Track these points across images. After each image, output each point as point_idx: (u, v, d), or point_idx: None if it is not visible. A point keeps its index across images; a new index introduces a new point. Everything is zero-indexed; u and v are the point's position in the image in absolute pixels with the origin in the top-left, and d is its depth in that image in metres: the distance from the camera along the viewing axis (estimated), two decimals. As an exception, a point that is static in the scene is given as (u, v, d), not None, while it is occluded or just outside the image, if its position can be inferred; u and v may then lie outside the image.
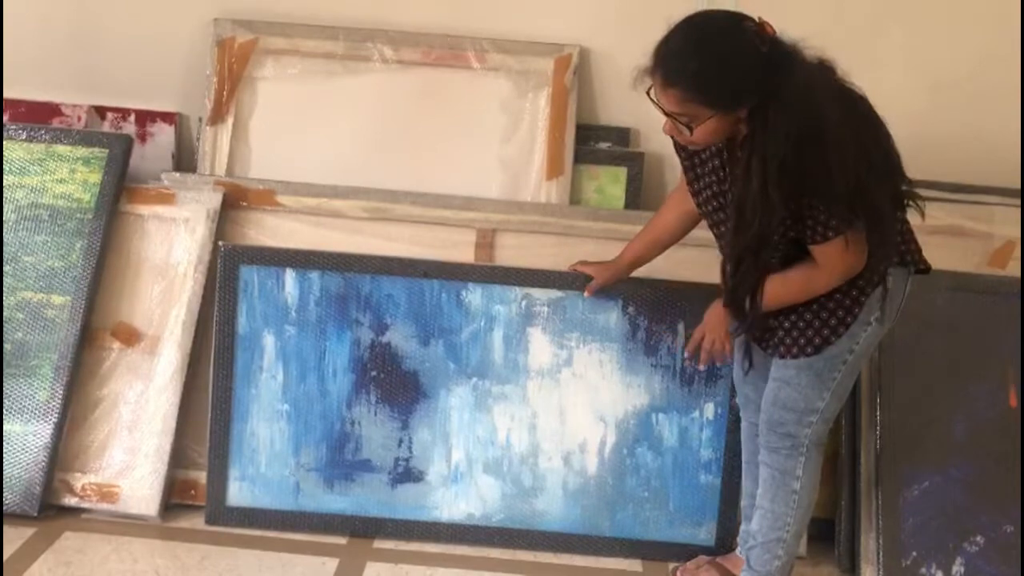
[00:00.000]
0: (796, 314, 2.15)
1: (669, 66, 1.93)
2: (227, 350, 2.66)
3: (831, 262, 2.05)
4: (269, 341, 2.67)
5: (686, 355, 2.47)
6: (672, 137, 2.09)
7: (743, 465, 2.50)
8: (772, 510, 2.28)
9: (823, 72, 1.98)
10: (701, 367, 2.44)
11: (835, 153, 1.92)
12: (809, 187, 1.94)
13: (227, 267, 2.68)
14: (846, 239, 2.00)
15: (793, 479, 2.26)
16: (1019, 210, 2.89)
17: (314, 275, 2.67)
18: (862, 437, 2.64)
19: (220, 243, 2.73)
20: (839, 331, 2.13)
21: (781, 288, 2.10)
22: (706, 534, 2.63)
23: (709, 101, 1.93)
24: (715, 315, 2.27)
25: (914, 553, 2.55)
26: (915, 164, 2.93)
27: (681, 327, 2.61)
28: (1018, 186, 2.95)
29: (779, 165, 1.91)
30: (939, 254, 2.80)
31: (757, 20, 1.93)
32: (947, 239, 2.86)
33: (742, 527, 2.50)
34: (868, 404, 2.65)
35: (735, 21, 1.94)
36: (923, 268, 2.20)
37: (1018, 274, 2.78)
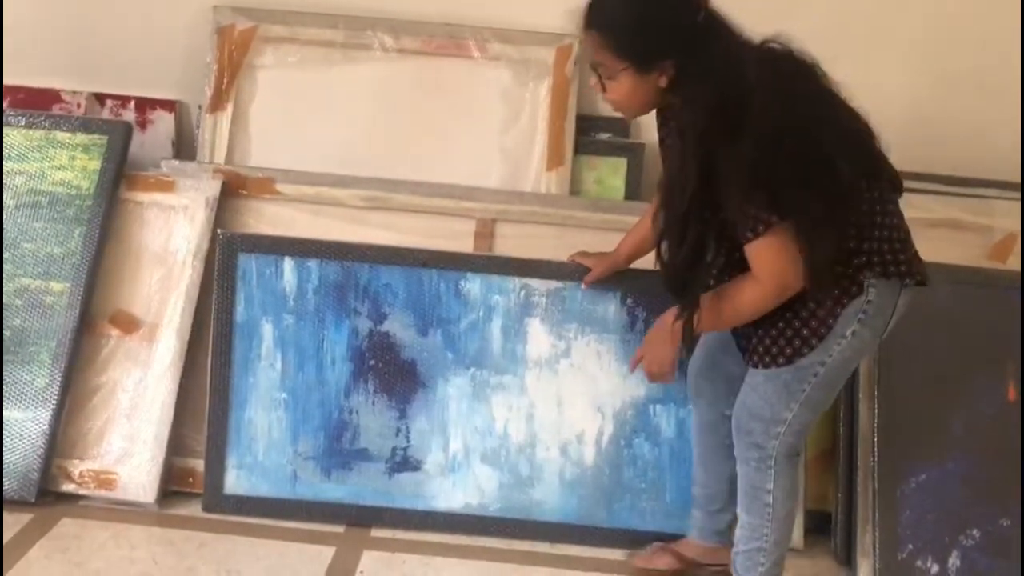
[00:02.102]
0: (770, 322, 2.08)
1: (592, 9, 1.94)
2: (225, 338, 2.66)
3: (756, 265, 1.96)
4: (267, 330, 2.67)
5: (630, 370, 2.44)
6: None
7: (695, 456, 2.47)
8: (749, 522, 2.26)
9: (761, 54, 1.95)
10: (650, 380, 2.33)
11: (752, 137, 1.84)
12: (723, 169, 1.87)
13: (226, 255, 2.67)
14: (774, 238, 1.91)
15: (764, 492, 2.22)
16: (1019, 204, 2.88)
17: (313, 264, 2.67)
18: (860, 430, 2.64)
19: (219, 231, 2.73)
20: (811, 342, 2.06)
21: (717, 303, 2.04)
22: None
23: (621, 51, 1.92)
24: (656, 334, 2.21)
25: (910, 546, 2.55)
26: (916, 157, 2.96)
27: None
28: (1019, 180, 2.95)
29: (696, 138, 1.87)
30: (939, 248, 2.81)
31: None
32: (947, 232, 2.85)
33: (692, 512, 2.50)
34: (866, 397, 2.65)
35: None
36: (918, 280, 2.08)
37: (1018, 268, 2.78)
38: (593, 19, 1.95)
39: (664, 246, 2.01)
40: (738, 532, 2.29)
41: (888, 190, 2.09)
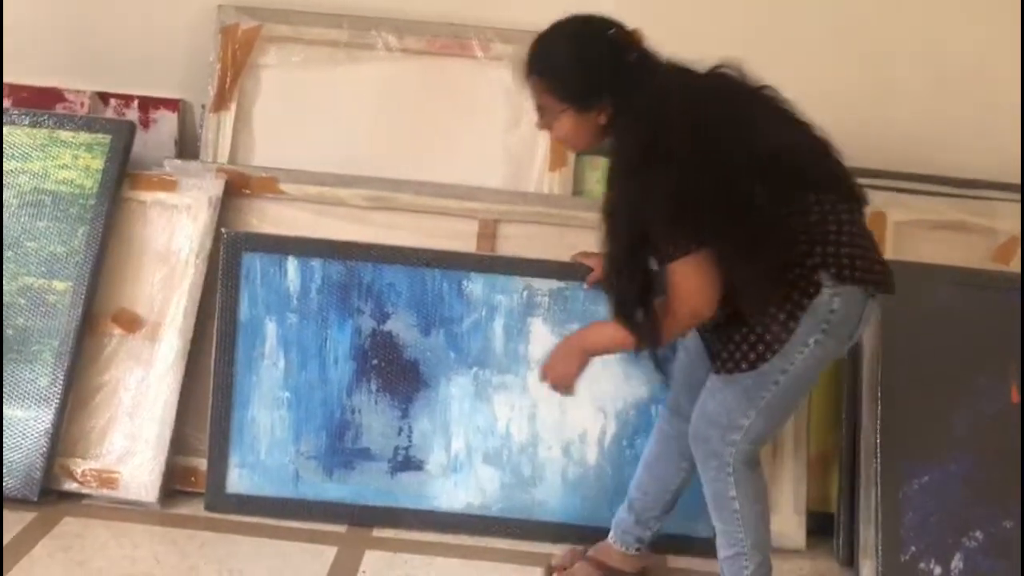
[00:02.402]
0: (735, 328, 2.08)
1: (530, 56, 2.07)
2: (229, 337, 2.67)
3: (672, 284, 2.00)
4: (271, 328, 2.68)
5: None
6: None
7: (644, 460, 2.44)
8: (723, 529, 2.25)
9: (688, 87, 2.01)
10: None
11: (674, 166, 1.90)
12: (648, 197, 1.94)
13: (230, 254, 2.68)
14: (688, 262, 1.95)
15: (729, 499, 2.20)
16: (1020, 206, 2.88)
17: (316, 263, 2.67)
18: (862, 431, 2.64)
19: (223, 230, 2.73)
20: (774, 347, 2.04)
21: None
22: (704, 526, 2.62)
23: (561, 94, 2.04)
24: (563, 352, 2.24)
25: (913, 548, 2.54)
26: (919, 158, 2.96)
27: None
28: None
29: (627, 171, 1.97)
30: (943, 249, 2.82)
31: (628, 29, 2.05)
32: (951, 234, 2.86)
33: (620, 514, 2.47)
34: (869, 398, 2.65)
35: (600, 25, 2.05)
36: (882, 288, 2.08)
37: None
38: (534, 65, 2.07)
39: (611, 275, 2.06)
40: (717, 540, 2.28)
41: (841, 201, 2.08)
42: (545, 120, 2.11)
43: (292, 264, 2.68)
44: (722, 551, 2.27)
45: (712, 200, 1.92)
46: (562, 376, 2.24)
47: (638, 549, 2.46)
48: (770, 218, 1.99)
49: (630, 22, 2.98)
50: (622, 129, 2.02)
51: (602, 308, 2.56)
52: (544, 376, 2.29)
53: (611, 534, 2.49)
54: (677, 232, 1.94)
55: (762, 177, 1.96)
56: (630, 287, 2.03)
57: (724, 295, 2.02)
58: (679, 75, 2.04)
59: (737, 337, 2.08)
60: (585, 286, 2.59)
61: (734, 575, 2.25)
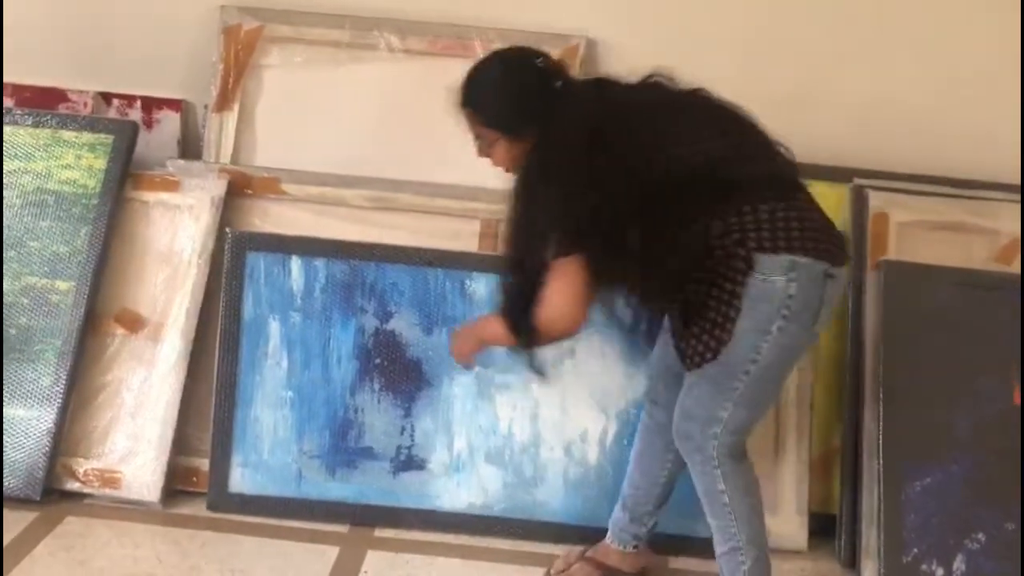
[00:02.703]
0: (694, 322, 2.12)
1: (464, 89, 2.17)
2: (233, 336, 2.67)
3: (548, 281, 2.07)
4: (274, 328, 2.69)
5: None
6: None
7: (633, 456, 2.46)
8: (716, 525, 2.27)
9: (603, 111, 2.07)
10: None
11: (555, 192, 2.00)
12: (532, 214, 2.06)
13: (234, 254, 2.69)
14: (556, 274, 2.05)
15: (719, 494, 2.22)
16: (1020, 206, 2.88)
17: (320, 263, 2.69)
18: (864, 432, 2.64)
19: (228, 229, 2.74)
20: (728, 328, 2.07)
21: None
22: (705, 527, 2.61)
23: (491, 124, 2.15)
24: (465, 332, 2.36)
25: (915, 549, 2.54)
26: (921, 159, 2.96)
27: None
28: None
29: (521, 188, 2.08)
30: (944, 250, 2.82)
31: (553, 59, 2.18)
32: (951, 235, 2.85)
33: (616, 512, 2.49)
34: (871, 399, 2.65)
35: (527, 56, 2.16)
36: (834, 261, 2.09)
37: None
38: (465, 98, 2.17)
39: (503, 277, 2.16)
40: (714, 537, 2.29)
41: (778, 199, 2.09)
42: (482, 148, 2.20)
43: (296, 263, 2.69)
44: (718, 547, 2.28)
45: (586, 219, 2.01)
46: (463, 354, 2.38)
47: (636, 547, 2.47)
48: (659, 231, 2.04)
49: (630, 24, 3.01)
50: (530, 150, 2.10)
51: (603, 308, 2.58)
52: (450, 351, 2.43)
53: (608, 534, 2.50)
54: (549, 244, 2.03)
55: (672, 187, 2.02)
56: (517, 291, 2.13)
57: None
58: (599, 98, 2.11)
59: (696, 329, 2.12)
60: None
61: (732, 571, 2.26)
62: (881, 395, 2.62)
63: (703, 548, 2.51)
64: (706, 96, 2.16)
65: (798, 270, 2.04)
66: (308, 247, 2.70)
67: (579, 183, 2.00)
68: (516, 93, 2.12)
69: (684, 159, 2.05)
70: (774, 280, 2.03)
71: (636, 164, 2.03)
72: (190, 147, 3.15)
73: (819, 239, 2.08)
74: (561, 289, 2.06)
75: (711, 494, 2.23)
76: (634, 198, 2.01)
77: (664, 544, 2.57)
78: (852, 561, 2.61)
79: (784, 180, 2.14)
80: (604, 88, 2.15)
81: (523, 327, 2.13)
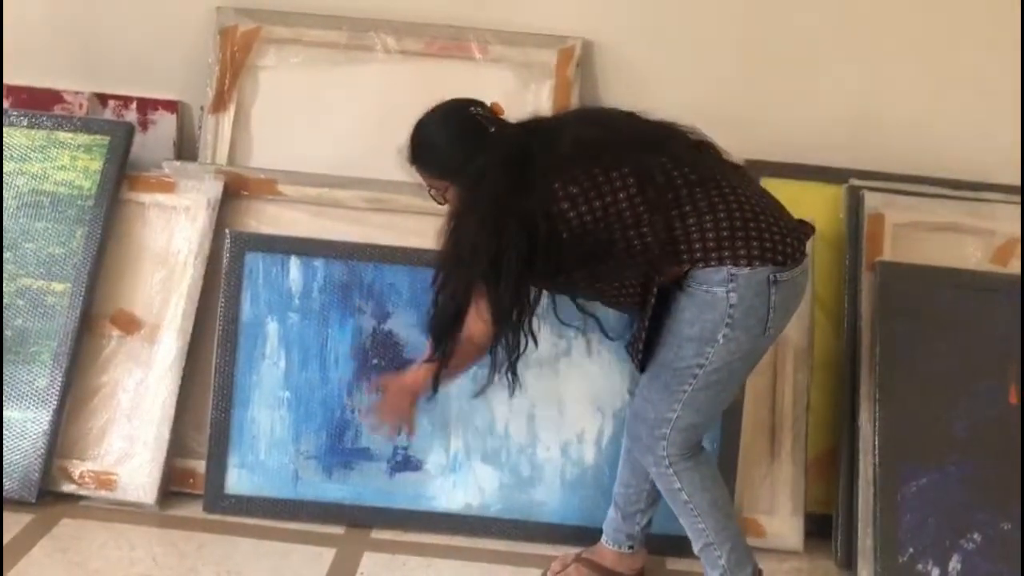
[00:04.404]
0: (635, 327, 2.20)
1: (409, 146, 2.24)
2: (230, 337, 2.68)
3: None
4: (272, 328, 2.69)
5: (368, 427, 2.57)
6: None
7: (622, 453, 2.48)
8: (685, 524, 2.31)
9: (522, 151, 2.12)
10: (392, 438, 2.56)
11: (474, 228, 2.08)
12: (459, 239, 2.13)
13: (233, 254, 2.69)
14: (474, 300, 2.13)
15: (677, 492, 2.26)
16: (1020, 207, 2.88)
17: (318, 263, 2.69)
18: (861, 433, 2.64)
19: (227, 230, 2.74)
20: (641, 336, 2.16)
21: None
22: (703, 527, 2.63)
23: (438, 174, 2.22)
24: (398, 389, 2.34)
25: (911, 549, 2.55)
26: (918, 160, 2.96)
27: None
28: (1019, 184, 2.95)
29: (448, 222, 2.17)
30: (941, 251, 2.82)
31: (488, 104, 2.22)
32: (949, 236, 2.85)
33: (609, 513, 2.50)
34: (867, 400, 2.65)
35: (460, 106, 2.22)
36: (779, 263, 2.10)
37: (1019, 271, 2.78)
38: (410, 155, 2.24)
39: (436, 300, 2.20)
40: (688, 535, 2.32)
41: (713, 195, 2.11)
42: (436, 197, 2.27)
43: (295, 264, 2.69)
44: (694, 546, 2.32)
45: (500, 248, 2.06)
46: (399, 413, 2.36)
47: (631, 547, 2.47)
48: (583, 259, 2.11)
49: (627, 25, 3.01)
50: (460, 189, 2.18)
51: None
52: (378, 422, 2.43)
53: (603, 535, 2.51)
54: (469, 270, 2.10)
55: (595, 218, 2.07)
56: (442, 311, 2.18)
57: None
58: (525, 139, 2.15)
59: (636, 335, 2.21)
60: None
61: (711, 565, 2.29)
62: (877, 396, 2.63)
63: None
64: (633, 115, 2.20)
65: (737, 280, 2.07)
66: (307, 247, 2.71)
67: (496, 215, 2.06)
68: (455, 142, 2.19)
69: (606, 181, 2.08)
70: (714, 291, 2.08)
71: (553, 191, 2.07)
72: (186, 148, 3.15)
73: (763, 241, 2.09)
74: (479, 312, 2.13)
75: (670, 493, 2.28)
76: (555, 231, 2.07)
77: (661, 545, 2.57)
78: (848, 561, 2.61)
79: (710, 185, 2.13)
80: (535, 126, 2.21)
81: (445, 343, 2.19)
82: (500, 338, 2.16)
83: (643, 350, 2.20)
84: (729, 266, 2.07)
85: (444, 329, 2.18)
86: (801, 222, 2.23)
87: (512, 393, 2.26)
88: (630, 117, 2.20)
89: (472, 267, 2.09)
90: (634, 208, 2.07)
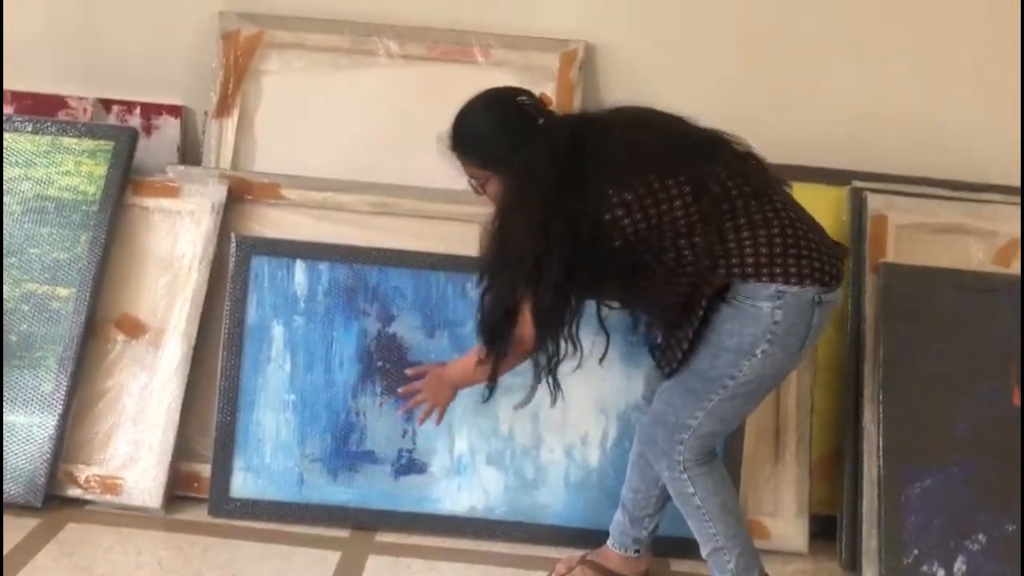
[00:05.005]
0: (673, 334, 2.16)
1: (451, 133, 2.22)
2: (236, 340, 2.68)
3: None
4: (278, 331, 2.70)
5: (399, 410, 2.55)
6: None
7: (632, 458, 2.47)
8: (694, 528, 2.29)
9: (574, 145, 2.09)
10: (420, 424, 2.52)
11: (522, 227, 2.06)
12: (495, 243, 2.13)
13: (239, 258, 2.70)
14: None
15: (689, 496, 2.25)
16: (1020, 208, 2.89)
17: (323, 266, 2.70)
18: (864, 434, 2.64)
19: (233, 234, 2.75)
20: (683, 346, 2.12)
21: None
22: (707, 530, 2.63)
23: (480, 164, 2.20)
24: (439, 377, 2.37)
25: (916, 551, 2.55)
26: (920, 162, 2.97)
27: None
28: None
29: (495, 217, 2.14)
30: (943, 252, 2.83)
31: (537, 95, 2.20)
32: (951, 237, 2.86)
33: (616, 517, 2.49)
34: (870, 401, 2.65)
35: (507, 95, 2.21)
36: (824, 286, 2.10)
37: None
38: (453, 142, 2.22)
39: (483, 301, 2.18)
40: (697, 539, 2.31)
41: (761, 210, 2.10)
42: (476, 188, 2.25)
43: (300, 267, 2.70)
44: (703, 550, 2.31)
45: (548, 252, 2.04)
46: (439, 403, 2.40)
47: (637, 551, 2.47)
48: (635, 262, 2.09)
49: (629, 28, 3.02)
50: (508, 184, 2.15)
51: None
52: (411, 402, 2.43)
53: (610, 538, 2.50)
54: (516, 273, 2.09)
55: (649, 219, 2.05)
56: (490, 311, 2.16)
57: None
58: (576, 132, 2.12)
59: (672, 340, 2.17)
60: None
61: (720, 569, 2.29)
62: (881, 397, 2.63)
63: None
64: (682, 120, 2.18)
65: (784, 298, 2.06)
66: (312, 251, 2.72)
67: (544, 215, 2.04)
68: (500, 132, 2.16)
69: (662, 188, 2.06)
70: (760, 306, 2.06)
71: (606, 196, 2.05)
72: (190, 153, 3.15)
73: (812, 260, 2.08)
74: (527, 314, 2.13)
75: (682, 497, 2.27)
76: (605, 238, 2.05)
77: (665, 547, 2.57)
78: (853, 563, 2.61)
79: (764, 199, 2.13)
80: (583, 122, 2.18)
81: (497, 345, 2.17)
82: (542, 342, 2.13)
83: (667, 354, 2.18)
84: (779, 283, 2.05)
85: (494, 330, 2.16)
86: (836, 243, 2.21)
87: (554, 402, 2.25)
88: (680, 123, 2.17)
89: (517, 267, 2.06)
90: (689, 217, 2.05)
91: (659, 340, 2.27)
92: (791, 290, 2.05)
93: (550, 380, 2.19)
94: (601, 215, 2.04)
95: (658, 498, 2.42)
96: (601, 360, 2.39)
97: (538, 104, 2.18)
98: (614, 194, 2.05)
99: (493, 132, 2.17)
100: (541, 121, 2.13)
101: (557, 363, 2.17)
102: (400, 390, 2.49)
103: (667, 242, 2.07)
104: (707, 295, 2.08)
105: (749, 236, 2.07)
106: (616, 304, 2.31)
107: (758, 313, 2.06)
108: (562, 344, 2.15)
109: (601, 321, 2.31)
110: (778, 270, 2.05)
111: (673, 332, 2.17)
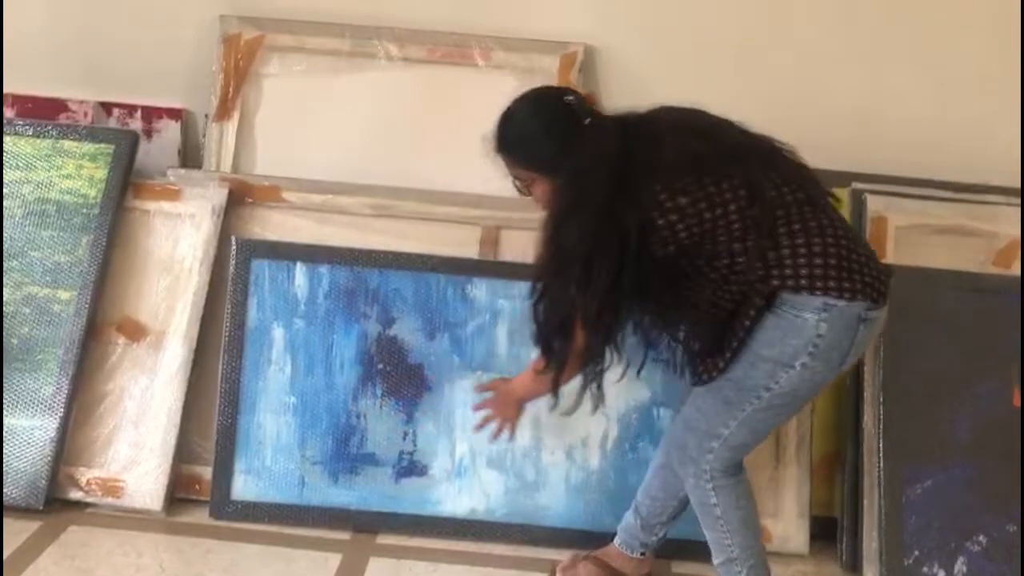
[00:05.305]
0: (716, 343, 2.12)
1: (496, 134, 2.18)
2: (237, 343, 2.69)
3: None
4: (278, 334, 2.70)
5: (474, 428, 2.56)
6: None
7: (654, 465, 2.44)
8: (710, 536, 2.28)
9: (623, 147, 2.06)
10: (494, 439, 2.51)
11: (575, 231, 2.02)
12: (547, 250, 2.08)
13: (240, 261, 2.71)
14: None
15: (711, 507, 2.23)
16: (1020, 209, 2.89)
17: (324, 269, 2.71)
18: (864, 435, 2.65)
19: (234, 237, 2.76)
20: (725, 356, 2.09)
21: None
22: (708, 532, 2.64)
23: (526, 165, 2.16)
24: (506, 393, 2.39)
25: (916, 552, 2.55)
26: (920, 163, 2.97)
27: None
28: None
29: (547, 222, 2.09)
30: (944, 253, 2.83)
31: (582, 94, 2.19)
32: (952, 238, 2.86)
33: (627, 518, 2.48)
34: (871, 402, 2.65)
35: (553, 95, 2.19)
36: (871, 301, 2.07)
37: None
38: (498, 143, 2.18)
39: (536, 311, 2.13)
40: (711, 547, 2.30)
41: (814, 217, 2.08)
42: (522, 187, 2.22)
43: (300, 270, 2.71)
44: (715, 558, 2.30)
45: (602, 257, 2.01)
46: (508, 419, 2.45)
47: (642, 553, 2.47)
48: (684, 269, 2.07)
49: (629, 31, 3.02)
50: (557, 187, 2.11)
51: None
52: (482, 420, 2.48)
53: (617, 537, 2.49)
54: (570, 281, 2.04)
55: (701, 223, 2.02)
56: (546, 320, 2.13)
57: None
58: (624, 133, 2.09)
59: (712, 351, 2.13)
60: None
61: None
62: (881, 398, 2.63)
63: (705, 553, 2.52)
64: (732, 123, 2.15)
65: (831, 311, 2.02)
66: (312, 254, 2.72)
67: (597, 221, 2.01)
68: (548, 133, 2.12)
69: (717, 192, 2.03)
70: (805, 317, 2.02)
71: (659, 201, 2.01)
72: (190, 156, 3.16)
73: (863, 276, 2.05)
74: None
75: (704, 506, 2.24)
76: (657, 242, 2.02)
77: (668, 549, 2.57)
78: (854, 564, 2.61)
79: (818, 207, 2.10)
80: (631, 123, 2.13)
81: (556, 353, 2.14)
82: (597, 349, 2.10)
83: (704, 364, 2.15)
84: (829, 296, 2.01)
85: (551, 340, 2.13)
86: (883, 263, 2.18)
87: (595, 408, 2.23)
88: (730, 125, 2.13)
89: (570, 273, 2.03)
90: (743, 220, 2.02)
91: (695, 349, 2.20)
92: (839, 304, 2.01)
93: (594, 388, 2.16)
94: (654, 220, 2.01)
95: (675, 508, 2.41)
96: (639, 372, 2.38)
97: (584, 103, 2.14)
98: (668, 199, 2.01)
99: (541, 134, 2.13)
100: (587, 121, 2.10)
101: (603, 371, 2.14)
102: (473, 407, 2.51)
103: (721, 247, 2.03)
104: (757, 305, 2.04)
105: (804, 244, 2.03)
106: (657, 321, 2.23)
107: (803, 324, 2.03)
108: (606, 352, 2.11)
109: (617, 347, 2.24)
110: (831, 283, 2.01)
111: (713, 342, 2.12)
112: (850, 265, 2.04)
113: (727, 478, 2.21)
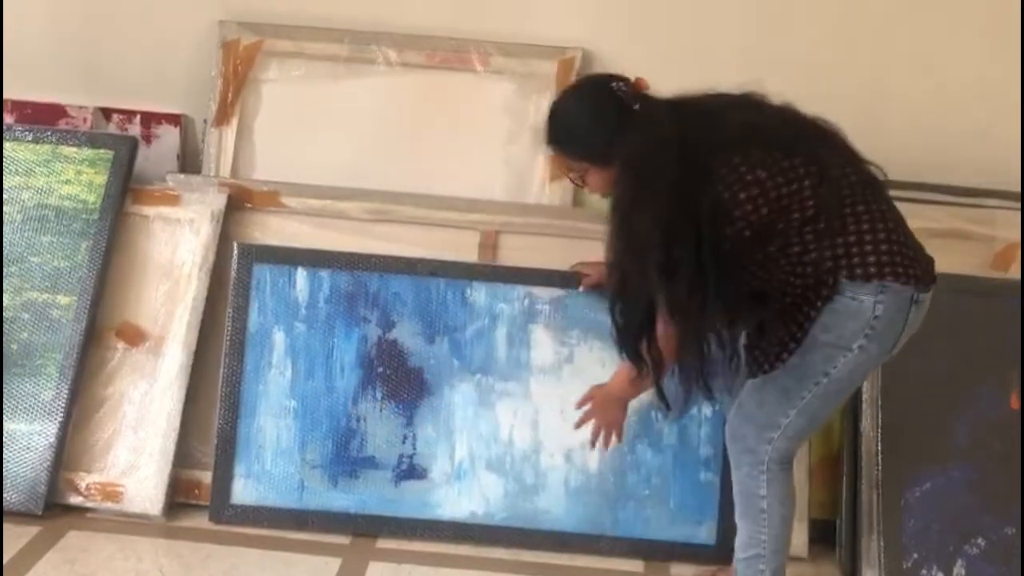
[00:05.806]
0: (772, 333, 2.10)
1: (547, 125, 2.15)
2: (238, 347, 2.69)
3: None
4: (279, 338, 2.70)
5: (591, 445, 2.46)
6: None
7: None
8: (745, 528, 2.27)
9: (679, 129, 2.02)
10: (605, 449, 2.45)
11: (648, 217, 1.96)
12: (623, 242, 2.02)
13: (241, 265, 2.71)
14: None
15: (758, 499, 2.23)
16: (1020, 213, 2.90)
17: (324, 273, 2.72)
18: (863, 438, 2.65)
19: (235, 242, 2.76)
20: (790, 347, 2.07)
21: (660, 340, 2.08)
22: (706, 533, 2.64)
23: (578, 155, 2.13)
24: (605, 397, 2.34)
25: (915, 555, 2.55)
26: (918, 167, 2.97)
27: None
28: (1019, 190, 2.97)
29: (615, 214, 2.03)
30: (942, 257, 2.81)
31: (631, 80, 2.10)
32: (950, 242, 2.86)
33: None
34: (870, 405, 2.66)
35: (600, 82, 2.13)
36: (920, 286, 2.07)
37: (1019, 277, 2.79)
38: (549, 135, 2.15)
39: (615, 309, 2.08)
40: (737, 540, 2.30)
41: (866, 201, 2.07)
42: (575, 178, 2.19)
43: (301, 275, 2.71)
44: (741, 552, 2.29)
45: (679, 245, 1.95)
46: (614, 426, 2.37)
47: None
48: (755, 253, 2.02)
49: (627, 35, 3.03)
50: (617, 177, 2.06)
51: (602, 315, 2.56)
52: (592, 431, 2.38)
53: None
54: (649, 273, 1.98)
55: (767, 205, 1.98)
56: (628, 318, 2.06)
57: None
58: (678, 116, 2.06)
59: (764, 343, 2.12)
60: (580, 288, 2.63)
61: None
62: (880, 401, 2.64)
63: (709, 555, 2.53)
64: (790, 105, 2.13)
65: (887, 293, 2.02)
66: (313, 258, 2.73)
67: (669, 206, 1.96)
68: (598, 122, 2.08)
69: (790, 167, 2.01)
70: (862, 299, 2.02)
71: (740, 174, 1.98)
72: (190, 161, 3.16)
73: (910, 262, 2.06)
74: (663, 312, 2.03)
75: (750, 498, 2.24)
76: (732, 220, 1.98)
77: (669, 551, 2.58)
78: (853, 567, 2.61)
79: (876, 190, 2.10)
80: (683, 105, 2.11)
81: (648, 351, 2.08)
82: (688, 336, 2.03)
83: (763, 354, 2.12)
84: (885, 279, 2.01)
85: (639, 343, 2.07)
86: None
87: (714, 407, 2.23)
88: (789, 106, 2.11)
89: (649, 260, 1.96)
90: (816, 198, 2.00)
91: (759, 342, 2.16)
92: (894, 286, 2.02)
93: (701, 384, 2.09)
94: (736, 195, 1.96)
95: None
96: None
97: (633, 89, 2.09)
98: (748, 171, 1.97)
99: (591, 123, 2.09)
100: (637, 107, 2.05)
101: (703, 367, 2.06)
102: (575, 423, 2.42)
103: (793, 227, 2.00)
104: (824, 296, 2.02)
105: (869, 231, 2.02)
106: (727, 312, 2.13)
107: (860, 307, 2.02)
108: (704, 346, 2.05)
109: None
110: (887, 269, 2.01)
111: (773, 333, 2.10)
112: (903, 250, 2.05)
113: (780, 470, 2.21)
